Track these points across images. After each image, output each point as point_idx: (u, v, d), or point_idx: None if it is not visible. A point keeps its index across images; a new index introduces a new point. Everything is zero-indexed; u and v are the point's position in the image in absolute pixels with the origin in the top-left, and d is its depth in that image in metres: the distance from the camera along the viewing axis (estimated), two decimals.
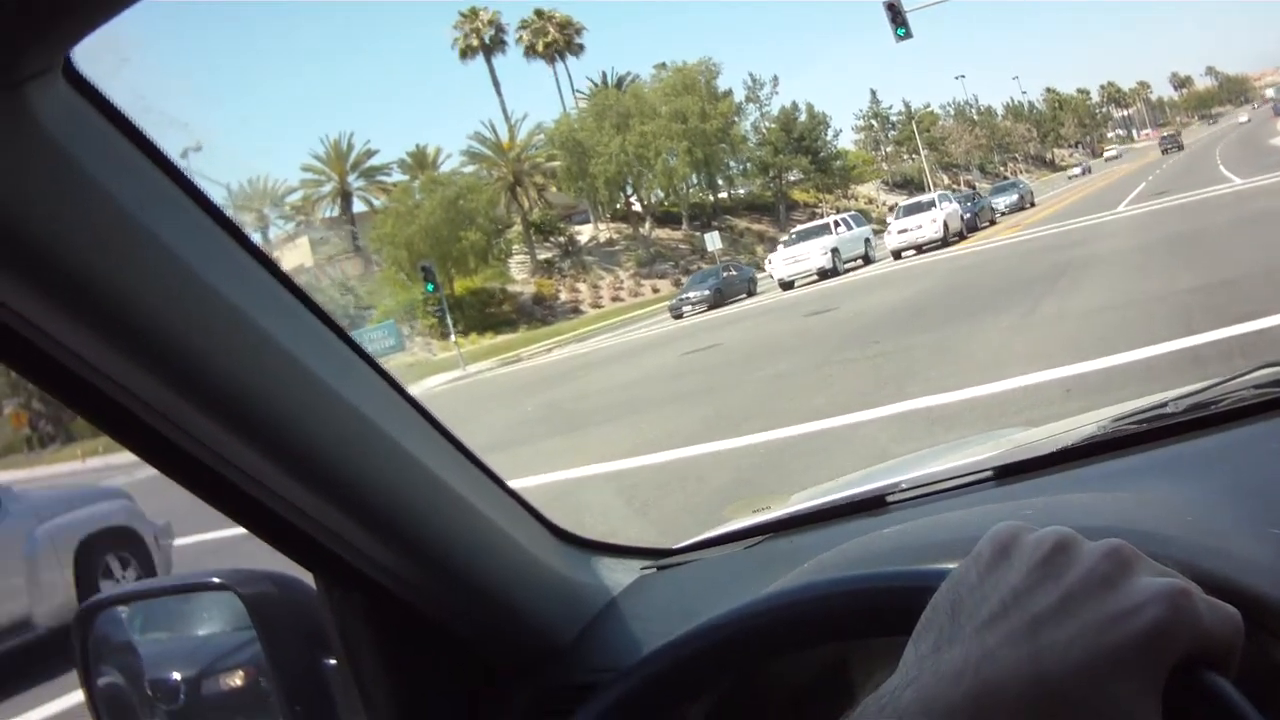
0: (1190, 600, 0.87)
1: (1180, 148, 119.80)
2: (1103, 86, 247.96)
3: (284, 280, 1.31)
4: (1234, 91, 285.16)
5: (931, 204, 53.72)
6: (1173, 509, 1.46)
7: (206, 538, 12.91)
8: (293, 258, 73.69)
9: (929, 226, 50.84)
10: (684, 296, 53.06)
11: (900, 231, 52.03)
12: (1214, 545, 1.31)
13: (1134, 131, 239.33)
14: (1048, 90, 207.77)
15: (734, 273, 56.86)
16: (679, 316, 51.13)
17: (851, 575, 1.45)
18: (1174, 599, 0.86)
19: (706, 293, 52.08)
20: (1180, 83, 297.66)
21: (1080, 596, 0.87)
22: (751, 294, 54.55)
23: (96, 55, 1.01)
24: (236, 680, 1.97)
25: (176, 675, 2.08)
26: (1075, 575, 0.89)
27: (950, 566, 0.97)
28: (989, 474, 1.97)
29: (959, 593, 0.92)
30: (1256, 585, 1.21)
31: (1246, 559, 1.26)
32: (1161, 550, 1.21)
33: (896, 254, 51.01)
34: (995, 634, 0.86)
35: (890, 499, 2.04)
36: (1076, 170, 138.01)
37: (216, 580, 1.84)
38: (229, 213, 1.22)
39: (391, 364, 48.06)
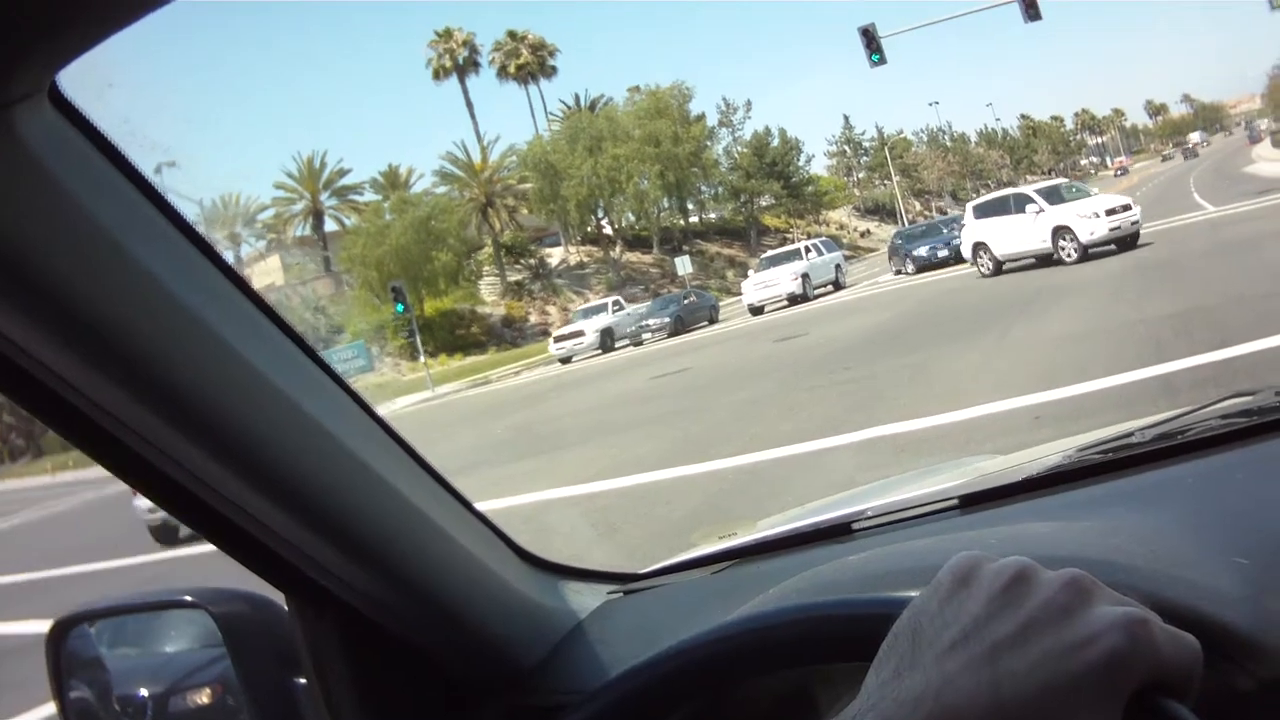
0: (1148, 629, 0.88)
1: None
2: (1077, 114, 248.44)
3: (257, 301, 1.32)
4: (1209, 119, 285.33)
5: (796, 255, 53.78)
6: (1137, 538, 1.47)
7: (181, 553, 12.87)
8: (264, 276, 73.51)
9: (786, 283, 50.69)
10: (644, 323, 52.63)
11: (758, 286, 51.77)
12: (1178, 575, 1.32)
13: (1108, 159, 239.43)
14: (1022, 117, 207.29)
15: (695, 299, 56.33)
16: (638, 344, 50.88)
17: (814, 602, 1.46)
18: (1131, 628, 0.87)
19: (667, 320, 51.74)
20: (1155, 110, 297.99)
21: (1039, 625, 0.88)
22: (714, 321, 54.04)
23: (81, 79, 1.02)
24: (204, 698, 1.97)
25: (144, 692, 2.08)
26: (1034, 604, 0.90)
27: (912, 595, 0.99)
28: (954, 502, 1.99)
29: (920, 621, 0.93)
30: (1220, 614, 1.22)
31: (1210, 588, 1.28)
32: (1125, 580, 1.23)
33: (755, 310, 50.57)
34: (955, 661, 0.88)
35: (856, 526, 2.05)
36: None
37: (188, 598, 1.84)
38: (202, 230, 1.23)
39: (361, 384, 47.96)
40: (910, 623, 0.94)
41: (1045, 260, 33.26)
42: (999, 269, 35.46)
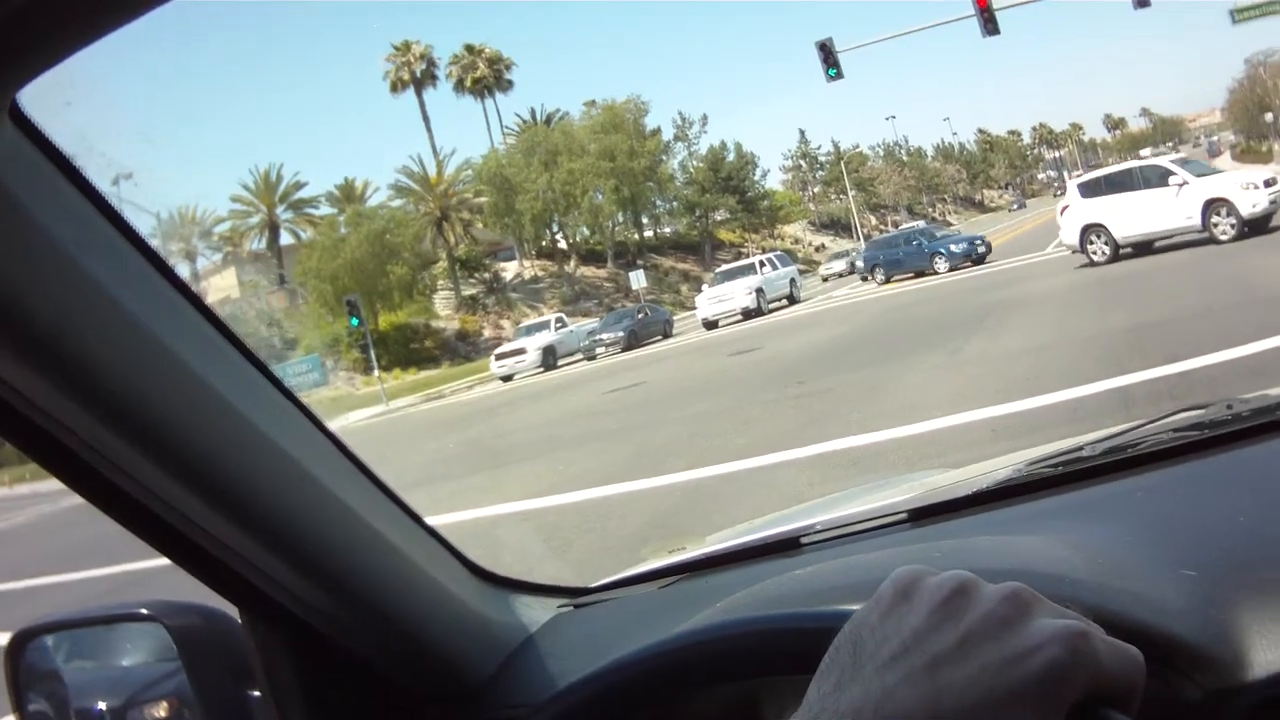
0: (1088, 641, 0.89)
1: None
2: (1035, 128, 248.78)
3: (210, 317, 1.34)
4: (1168, 133, 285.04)
5: (751, 270, 53.78)
6: (1085, 552, 1.49)
7: (132, 567, 12.77)
8: (220, 289, 73.14)
9: (741, 297, 50.57)
10: (598, 338, 52.39)
11: (713, 300, 51.69)
12: (1124, 587, 1.34)
13: (1065, 173, 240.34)
14: (979, 131, 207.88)
15: (649, 314, 56.07)
16: (591, 358, 50.67)
17: (759, 616, 1.48)
18: (1071, 640, 0.88)
19: (620, 334, 51.47)
20: (1114, 124, 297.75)
21: (979, 638, 0.89)
22: (668, 335, 53.89)
23: (40, 97, 1.03)
24: (160, 711, 1.96)
25: (102, 705, 2.07)
26: (974, 617, 0.91)
27: (856, 608, 0.99)
28: (903, 516, 2.00)
29: (860, 633, 0.94)
30: (1167, 626, 1.25)
31: (1157, 600, 1.30)
32: (1070, 593, 1.25)
33: (709, 324, 50.49)
34: (895, 673, 0.88)
35: (804, 540, 2.07)
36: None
37: (144, 611, 1.84)
38: (159, 245, 1.24)
39: (315, 398, 47.63)
40: (851, 635, 0.94)
41: (1180, 239, 29.32)
42: (1116, 254, 30.46)
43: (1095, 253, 31.07)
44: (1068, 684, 0.86)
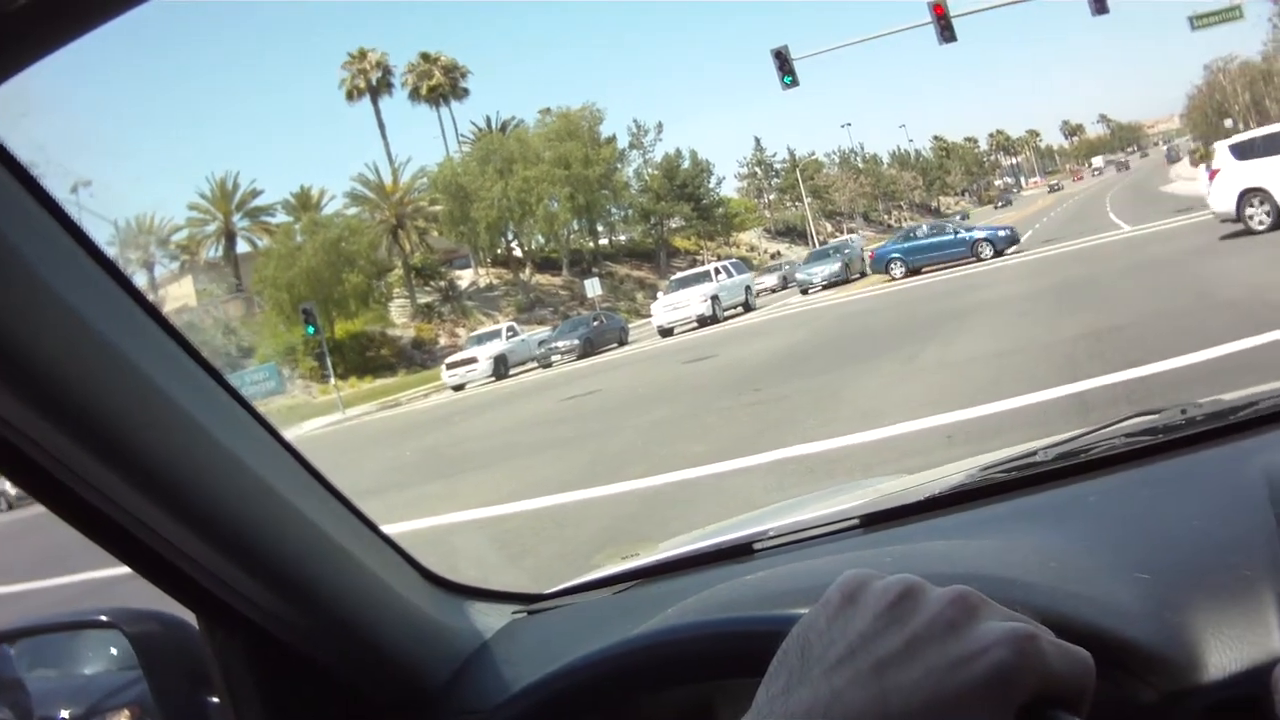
0: (1035, 643, 0.89)
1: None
2: (992, 135, 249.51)
3: (165, 325, 1.35)
4: (1126, 139, 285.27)
5: (706, 277, 53.69)
6: (1037, 555, 1.51)
7: (94, 576, 12.68)
8: (177, 298, 72.71)
9: (696, 304, 50.55)
10: (553, 345, 52.02)
11: (668, 307, 51.66)
12: (1076, 591, 1.36)
13: (1022, 179, 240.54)
14: (935, 138, 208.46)
15: (604, 321, 55.98)
16: (547, 366, 50.35)
17: (708, 620, 1.50)
18: (1018, 642, 0.88)
19: (575, 342, 51.09)
20: (1071, 131, 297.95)
21: (925, 641, 0.90)
22: (623, 343, 53.67)
23: None
24: (122, 719, 1.96)
25: (64, 714, 2.07)
26: (920, 620, 0.92)
27: (803, 612, 1.00)
28: (855, 522, 2.02)
29: (808, 637, 0.95)
30: (1120, 629, 1.27)
31: (1109, 603, 1.32)
32: (1020, 596, 1.27)
33: (665, 332, 50.52)
34: (842, 676, 0.89)
35: (757, 546, 2.08)
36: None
37: (104, 618, 1.84)
38: (116, 253, 1.24)
39: (272, 406, 47.37)
40: (799, 639, 0.95)
41: None
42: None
43: (1255, 220, 27.36)
44: (1015, 686, 0.87)
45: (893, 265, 48.61)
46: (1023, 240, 48.61)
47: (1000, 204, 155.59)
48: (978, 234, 48.10)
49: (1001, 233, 47.52)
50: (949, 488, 2.03)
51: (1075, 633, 1.01)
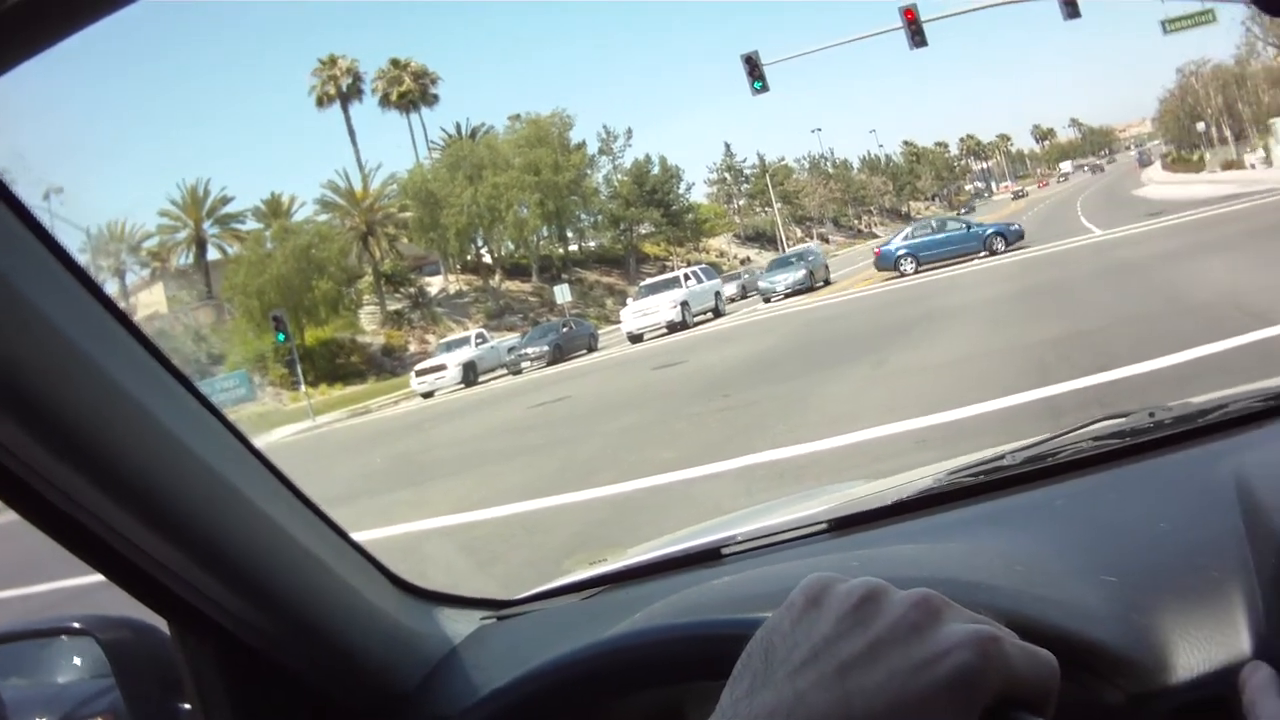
0: (999, 645, 0.90)
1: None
2: (962, 139, 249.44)
3: (134, 332, 1.35)
4: (1097, 143, 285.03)
5: (675, 283, 53.39)
6: (1003, 559, 1.52)
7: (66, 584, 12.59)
8: (148, 304, 72.40)
9: (666, 310, 50.34)
10: (523, 352, 51.89)
11: (637, 313, 51.51)
12: (1042, 593, 1.38)
13: (993, 184, 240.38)
14: (905, 143, 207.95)
15: (574, 328, 55.83)
16: (517, 373, 50.21)
17: (673, 623, 1.51)
18: (982, 645, 0.89)
19: (545, 348, 50.98)
20: (1042, 135, 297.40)
21: (888, 643, 0.90)
22: (593, 349, 53.47)
23: None
24: None
25: None
26: (884, 623, 0.92)
27: (768, 616, 1.00)
28: (824, 526, 2.03)
29: (772, 640, 0.95)
30: (1086, 631, 1.29)
31: (1076, 606, 1.34)
32: (986, 599, 1.28)
33: (634, 338, 50.42)
34: (806, 678, 0.90)
35: (726, 551, 2.09)
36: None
37: (76, 625, 1.84)
38: (88, 260, 1.25)
39: (242, 414, 47.14)
40: (763, 642, 0.96)
41: None
42: None
43: None
44: (978, 688, 0.88)
45: (902, 262, 48.47)
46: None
47: (964, 211, 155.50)
48: (990, 229, 48.62)
49: (1013, 227, 48.46)
50: (916, 492, 2.04)
51: (1040, 635, 1.03)
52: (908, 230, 53.13)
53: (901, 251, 48.89)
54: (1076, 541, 1.57)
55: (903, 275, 46.80)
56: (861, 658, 0.90)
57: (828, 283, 55.47)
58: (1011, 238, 46.60)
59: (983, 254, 45.69)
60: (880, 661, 0.89)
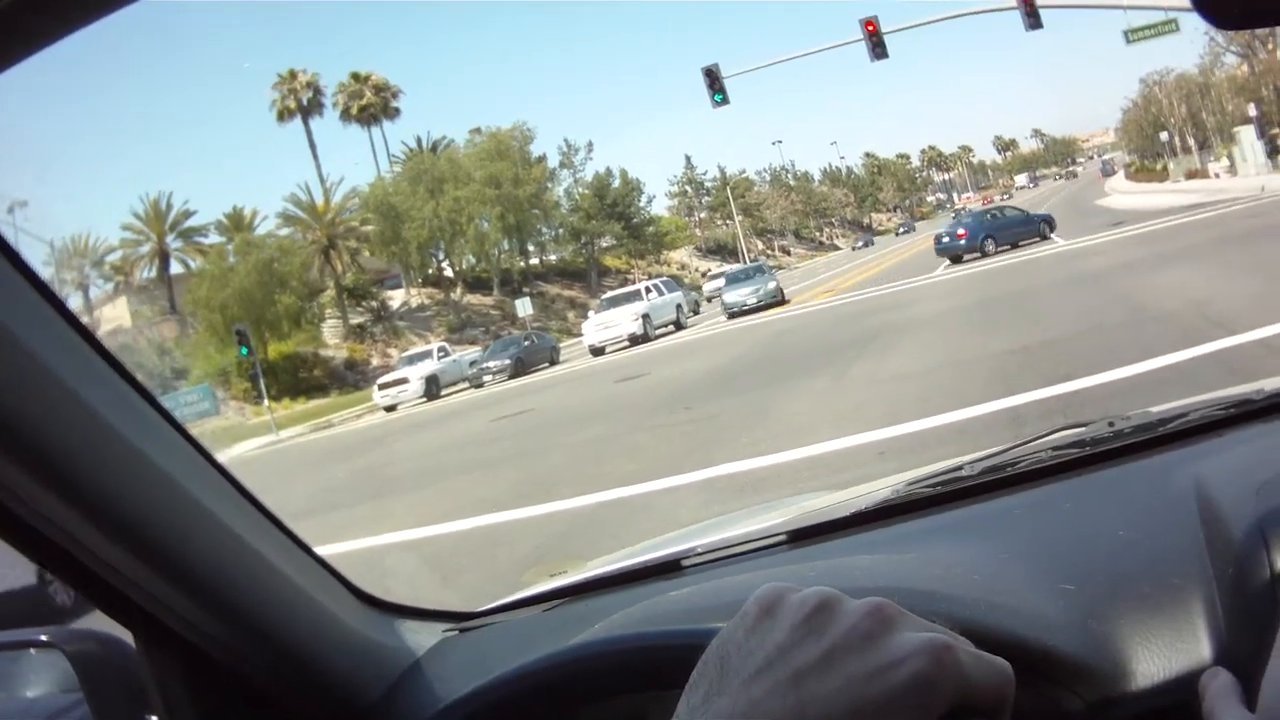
0: (953, 654, 0.91)
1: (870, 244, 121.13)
2: (924, 150, 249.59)
3: (98, 348, 1.37)
4: (1060, 154, 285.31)
5: (637, 296, 53.33)
6: (961, 568, 1.55)
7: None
8: (111, 319, 71.97)
9: (627, 323, 50.28)
10: (484, 365, 51.60)
11: (599, 327, 51.41)
12: (1000, 602, 1.40)
13: (955, 195, 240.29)
14: (867, 155, 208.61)
15: (536, 341, 55.37)
16: (479, 386, 49.96)
17: (630, 633, 1.53)
18: (936, 653, 0.90)
19: (507, 362, 50.64)
20: (1004, 146, 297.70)
21: (842, 651, 0.91)
22: (554, 362, 53.11)
23: None
24: None
25: None
26: (837, 632, 0.93)
27: (723, 625, 1.01)
28: (783, 538, 2.05)
29: (727, 649, 0.96)
30: (1044, 639, 1.31)
31: (1033, 614, 1.36)
32: (943, 609, 1.31)
33: (596, 351, 50.26)
34: (760, 687, 0.90)
35: (685, 563, 2.11)
36: (860, 244, 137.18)
37: (43, 638, 1.85)
38: (51, 274, 1.26)
39: (207, 428, 46.84)
40: (718, 651, 0.96)
41: None
42: None
43: None
44: (932, 695, 0.89)
45: (986, 242, 49.58)
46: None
47: (902, 230, 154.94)
48: (1040, 217, 51.86)
49: (1050, 216, 52.22)
50: (875, 503, 2.05)
51: (996, 643, 1.05)
52: (956, 220, 56.17)
53: (982, 235, 50.04)
54: (1035, 551, 1.59)
55: (984, 255, 47.77)
56: (816, 666, 0.91)
57: (782, 302, 53.47)
58: (1052, 225, 49.93)
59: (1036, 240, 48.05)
60: (834, 670, 0.90)
